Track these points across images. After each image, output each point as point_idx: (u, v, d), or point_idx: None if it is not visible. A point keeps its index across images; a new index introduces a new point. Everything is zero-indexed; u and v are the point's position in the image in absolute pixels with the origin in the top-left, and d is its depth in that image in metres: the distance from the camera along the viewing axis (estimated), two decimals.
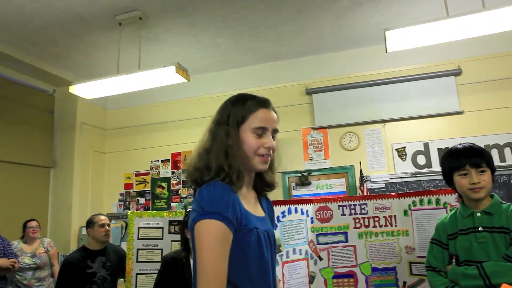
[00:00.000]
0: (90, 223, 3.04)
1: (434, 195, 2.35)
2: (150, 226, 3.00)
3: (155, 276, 2.61)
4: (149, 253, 2.95)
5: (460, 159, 1.56)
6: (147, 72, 3.56)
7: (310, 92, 4.41)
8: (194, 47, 4.26)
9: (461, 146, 1.62)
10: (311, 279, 2.43)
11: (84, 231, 3.90)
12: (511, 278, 1.40)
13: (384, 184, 3.96)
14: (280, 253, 2.34)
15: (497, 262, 1.46)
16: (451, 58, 4.14)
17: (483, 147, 1.67)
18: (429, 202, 2.35)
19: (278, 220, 2.36)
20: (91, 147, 4.94)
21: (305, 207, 2.48)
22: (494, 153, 3.85)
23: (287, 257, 2.37)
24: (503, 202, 1.57)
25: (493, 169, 1.57)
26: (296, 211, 2.45)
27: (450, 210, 1.92)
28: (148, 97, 4.90)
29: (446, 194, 2.28)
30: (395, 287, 2.36)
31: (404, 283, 2.35)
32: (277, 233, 2.35)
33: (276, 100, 4.51)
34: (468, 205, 1.60)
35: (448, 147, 2.53)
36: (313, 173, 4.19)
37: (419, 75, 4.14)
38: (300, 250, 2.43)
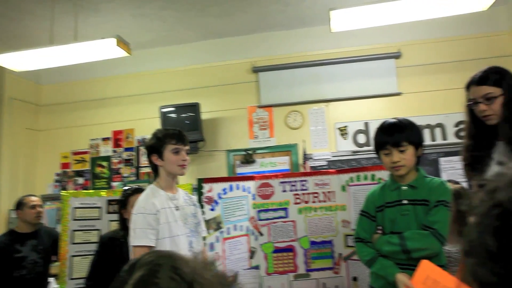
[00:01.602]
0: (19, 205, 2.85)
1: (370, 171, 2.45)
2: (86, 206, 2.87)
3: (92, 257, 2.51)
4: (85, 234, 2.82)
5: (383, 139, 1.62)
6: (84, 43, 3.32)
7: (256, 70, 4.38)
8: (137, 20, 4.04)
9: (386, 123, 1.67)
10: (252, 254, 2.47)
11: (14, 214, 3.65)
12: (424, 243, 1.50)
13: (326, 162, 4.08)
14: (221, 230, 2.35)
15: (415, 230, 1.56)
16: (392, 41, 4.28)
17: (415, 124, 1.70)
18: (365, 178, 2.45)
19: (219, 197, 2.36)
20: (22, 125, 4.59)
21: (246, 184, 2.49)
22: (426, 133, 4.09)
23: (228, 233, 2.38)
24: (427, 176, 1.66)
25: (417, 143, 1.64)
26: (237, 188, 2.46)
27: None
28: (86, 71, 4.61)
29: (381, 170, 2.38)
30: (331, 258, 2.47)
31: (340, 254, 2.46)
32: (218, 210, 2.35)
33: (222, 77, 4.44)
34: (396, 178, 1.68)
35: None
36: (257, 151, 4.21)
37: (361, 57, 4.25)
38: (241, 226, 2.45)
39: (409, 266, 1.53)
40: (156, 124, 3.99)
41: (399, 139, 1.59)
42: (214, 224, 2.33)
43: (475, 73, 1.68)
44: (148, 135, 2.18)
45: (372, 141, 1.77)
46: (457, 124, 4.02)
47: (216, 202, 2.35)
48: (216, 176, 3.59)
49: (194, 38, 4.50)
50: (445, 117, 4.07)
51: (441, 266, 1.54)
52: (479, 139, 1.68)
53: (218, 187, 2.36)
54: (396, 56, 4.24)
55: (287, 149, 4.21)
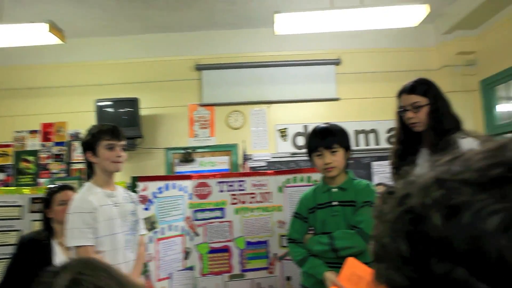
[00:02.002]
0: None
1: (306, 173, 2.51)
2: (5, 204, 2.63)
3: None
4: (3, 236, 2.59)
5: (315, 141, 1.68)
6: (12, 26, 3.06)
7: (199, 68, 4.32)
8: (74, 6, 3.79)
9: (318, 128, 1.73)
10: (187, 254, 2.42)
11: None
12: (350, 242, 1.57)
13: (266, 163, 4.13)
14: (155, 230, 2.27)
15: (343, 230, 1.63)
16: (333, 48, 4.44)
17: (345, 129, 1.79)
18: (302, 179, 2.51)
19: (154, 196, 2.28)
20: None
21: (183, 183, 2.44)
22: (361, 138, 4.30)
23: (163, 233, 2.32)
24: (355, 178, 1.74)
25: (346, 147, 1.72)
26: (174, 187, 2.39)
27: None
28: (14, 56, 4.24)
29: (317, 173, 2.45)
30: (266, 259, 2.50)
31: (275, 254, 2.50)
32: (153, 209, 2.27)
33: (164, 73, 4.30)
34: (327, 181, 1.74)
35: None
36: (197, 150, 4.16)
37: (304, 61, 4.37)
38: (176, 226, 2.39)
39: (338, 265, 1.59)
40: (91, 119, 3.78)
41: (331, 142, 1.65)
42: (148, 224, 2.25)
43: (406, 82, 1.80)
44: (82, 129, 2.08)
45: None
46: (388, 131, 4.27)
47: (151, 201, 2.27)
48: (154, 174, 3.50)
49: (136, 31, 4.33)
50: (378, 123, 4.30)
51: (366, 263, 1.62)
52: (406, 145, 1.80)
53: (153, 186, 2.28)
54: (336, 62, 4.41)
55: (227, 149, 4.20)
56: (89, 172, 1.95)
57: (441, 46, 4.41)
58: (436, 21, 4.36)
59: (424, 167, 0.42)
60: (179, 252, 2.38)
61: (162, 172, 4.08)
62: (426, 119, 1.71)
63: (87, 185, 1.91)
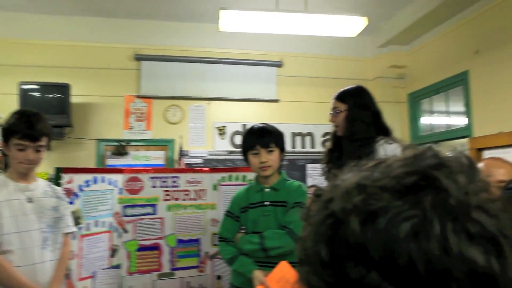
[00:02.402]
0: None
1: (241, 172, 2.51)
2: None
3: None
4: None
5: (252, 139, 1.69)
6: None
7: (139, 58, 4.15)
8: None
9: (255, 127, 1.74)
10: (113, 252, 2.30)
11: None
12: (280, 242, 1.60)
13: (202, 160, 4.08)
14: (79, 226, 2.13)
15: (273, 230, 1.65)
16: (276, 50, 4.50)
17: (280, 130, 1.84)
18: (237, 178, 2.50)
19: (81, 190, 2.14)
20: None
21: (113, 176, 2.31)
22: (298, 140, 4.42)
23: (88, 229, 2.18)
24: (288, 179, 1.77)
25: (282, 148, 1.75)
26: (103, 180, 2.26)
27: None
28: None
29: (252, 172, 2.46)
30: (197, 257, 2.46)
31: (206, 253, 2.46)
32: (78, 203, 2.13)
33: (100, 60, 4.06)
34: (260, 181, 1.75)
35: None
36: (132, 143, 3.98)
37: (246, 60, 4.38)
38: (103, 222, 2.26)
39: (268, 264, 1.60)
40: (13, 102, 3.46)
41: (268, 141, 1.67)
42: (72, 220, 2.10)
43: None
44: (2, 113, 1.87)
45: None
46: (324, 135, 4.43)
47: (76, 195, 2.13)
48: (83, 166, 3.28)
49: (72, 11, 4.04)
50: (315, 127, 4.45)
51: (295, 263, 1.66)
52: (337, 148, 1.90)
53: (79, 179, 2.13)
54: (278, 64, 4.48)
55: (163, 144, 4.08)
56: (6, 162, 1.78)
57: (376, 58, 4.67)
58: (373, 35, 4.61)
59: (349, 172, 0.42)
60: (104, 250, 2.26)
61: (92, 164, 3.86)
62: (343, 125, 1.83)
63: (1, 178, 1.75)
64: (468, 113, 3.62)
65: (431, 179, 0.34)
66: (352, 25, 3.43)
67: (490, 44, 3.41)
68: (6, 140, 1.70)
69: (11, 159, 1.72)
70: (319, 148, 4.40)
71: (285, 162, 1.86)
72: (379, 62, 4.63)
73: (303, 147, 4.42)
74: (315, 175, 4.27)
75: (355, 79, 4.58)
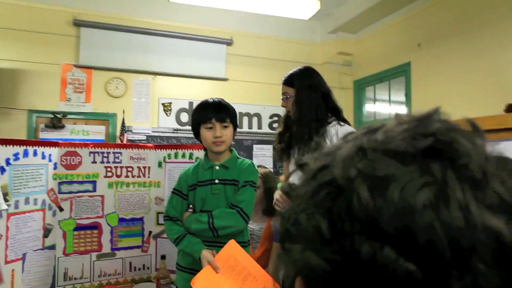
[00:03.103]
0: None
1: (188, 150, 2.42)
2: None
3: None
4: None
5: (208, 113, 1.61)
6: None
7: (78, 23, 3.82)
8: None
9: (211, 100, 1.67)
10: (47, 232, 2.12)
11: None
12: (229, 221, 1.57)
13: (145, 137, 3.90)
14: (7, 203, 1.92)
15: (222, 209, 1.61)
16: (226, 28, 4.39)
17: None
18: (183, 155, 2.41)
19: (8, 164, 1.92)
20: None
21: (48, 150, 2.11)
22: (245, 120, 4.39)
23: (16, 207, 1.98)
24: (239, 157, 1.73)
25: (235, 125, 1.70)
26: (35, 154, 2.05)
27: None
28: None
29: (199, 150, 2.38)
30: (140, 236, 2.35)
31: (150, 232, 2.37)
32: (5, 179, 1.92)
33: (33, 22, 3.69)
34: (210, 158, 1.69)
35: None
36: (68, 116, 3.69)
37: (196, 36, 4.22)
38: (35, 199, 2.06)
39: (217, 244, 1.56)
40: None
41: (224, 115, 1.61)
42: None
43: None
44: None
45: None
46: (271, 116, 4.44)
47: (3, 169, 1.91)
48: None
49: None
50: (263, 108, 4.44)
51: (244, 242, 1.63)
52: (286, 128, 1.92)
53: (7, 151, 1.91)
54: (228, 43, 4.38)
55: (104, 118, 3.83)
56: None
57: (325, 44, 4.73)
58: (323, 20, 4.66)
59: (336, 141, 0.38)
60: (37, 229, 2.07)
61: (22, 137, 3.53)
62: (293, 109, 1.84)
63: None
64: (407, 102, 3.81)
65: (447, 141, 0.30)
66: (305, 7, 3.43)
67: (431, 38, 3.59)
68: None
69: None
70: (266, 129, 4.41)
71: (233, 141, 1.82)
72: (327, 47, 4.71)
73: (250, 128, 4.40)
74: (261, 156, 4.28)
75: (303, 63, 4.60)
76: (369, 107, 4.54)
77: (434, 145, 0.30)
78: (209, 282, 1.45)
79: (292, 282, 0.38)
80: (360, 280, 0.29)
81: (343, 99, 4.55)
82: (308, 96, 1.82)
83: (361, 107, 4.55)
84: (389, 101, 4.20)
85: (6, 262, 1.91)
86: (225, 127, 1.62)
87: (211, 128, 1.60)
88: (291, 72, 1.92)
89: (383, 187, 0.29)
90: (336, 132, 1.81)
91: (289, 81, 1.89)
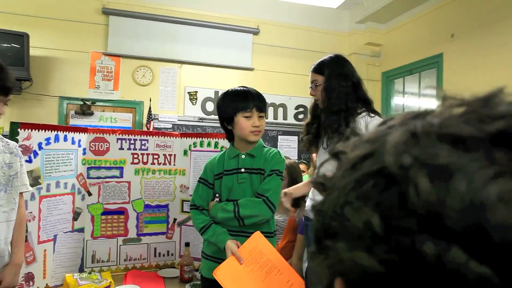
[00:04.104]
0: None
1: (214, 138, 2.43)
2: None
3: None
4: None
5: (249, 101, 1.59)
6: None
7: (107, 12, 3.87)
8: None
9: (247, 88, 1.65)
10: (76, 215, 2.19)
11: None
12: (255, 210, 1.55)
13: (171, 125, 3.94)
14: (39, 186, 1.99)
15: (248, 198, 1.59)
16: (253, 17, 4.35)
17: None
18: (209, 144, 2.42)
19: (40, 148, 1.98)
20: None
21: (77, 136, 2.16)
22: (270, 111, 4.36)
23: (48, 190, 2.04)
24: (265, 146, 1.71)
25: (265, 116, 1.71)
26: (65, 139, 2.11)
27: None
28: None
29: (224, 139, 2.38)
30: (165, 223, 2.39)
31: (175, 219, 2.40)
32: (37, 162, 1.98)
33: (64, 11, 3.75)
34: (236, 147, 1.67)
35: None
36: (97, 103, 3.77)
37: (222, 25, 4.20)
38: (65, 183, 2.12)
39: (242, 233, 1.55)
40: None
41: (263, 106, 1.60)
42: (30, 179, 1.95)
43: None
44: None
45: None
46: (297, 107, 4.39)
47: (35, 153, 1.97)
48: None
49: None
50: (288, 99, 4.40)
51: (270, 232, 1.62)
52: (314, 118, 1.89)
53: (39, 136, 1.97)
54: (255, 32, 4.34)
55: (131, 106, 3.89)
56: None
57: (353, 34, 4.62)
58: (352, 9, 4.54)
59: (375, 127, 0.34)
60: (67, 212, 2.13)
61: (53, 123, 3.63)
62: (322, 97, 1.79)
63: None
64: (439, 95, 3.68)
65: None
66: None
67: (466, 28, 3.44)
68: None
69: None
70: (291, 120, 4.38)
71: None
72: (355, 38, 4.60)
73: (276, 118, 4.37)
74: (286, 147, 4.26)
75: (330, 53, 4.53)
76: (397, 100, 4.43)
77: (506, 129, 0.26)
78: (231, 273, 1.45)
79: (329, 284, 0.33)
80: (421, 285, 0.26)
81: (371, 91, 4.39)
82: (338, 85, 1.78)
83: (389, 100, 4.44)
84: (419, 94, 4.08)
85: (39, 242, 1.98)
86: (261, 117, 1.61)
87: (249, 117, 1.59)
88: (321, 59, 1.87)
89: (445, 177, 0.26)
90: (366, 123, 1.76)
91: (319, 69, 1.84)
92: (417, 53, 3.96)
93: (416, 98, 4.14)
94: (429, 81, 3.91)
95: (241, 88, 1.65)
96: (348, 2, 4.14)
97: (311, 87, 1.87)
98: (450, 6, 3.62)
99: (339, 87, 1.77)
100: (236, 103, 1.60)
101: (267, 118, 4.19)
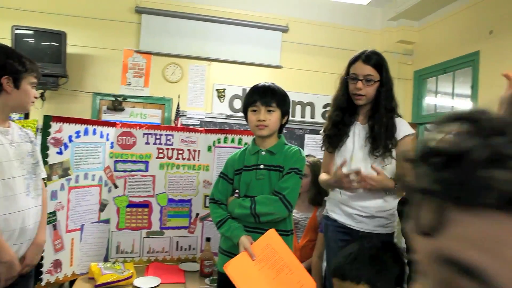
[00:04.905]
0: None
1: (238, 135, 2.45)
2: None
3: None
4: None
5: (254, 96, 1.60)
6: None
7: (140, 10, 3.98)
8: None
9: (260, 84, 1.65)
10: (102, 207, 2.27)
11: None
12: (271, 208, 1.53)
13: (199, 122, 4.00)
14: (68, 177, 2.08)
15: (265, 195, 1.59)
16: (282, 14, 4.33)
17: (286, 93, 1.71)
18: (233, 141, 2.44)
19: (70, 140, 2.07)
20: None
21: (106, 130, 2.24)
22: (298, 109, 4.33)
23: (77, 182, 2.12)
24: (286, 143, 1.69)
25: (284, 111, 1.66)
26: (94, 132, 2.19)
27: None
28: None
29: (248, 135, 2.39)
30: (188, 218, 2.43)
31: (197, 214, 2.44)
32: (67, 154, 2.06)
33: (99, 10, 3.87)
34: (257, 143, 1.67)
35: None
36: (128, 99, 3.88)
37: (252, 22, 4.21)
38: (93, 175, 2.21)
39: (258, 230, 1.55)
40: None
41: (270, 99, 1.58)
42: (60, 170, 2.04)
43: (362, 51, 1.76)
44: None
45: None
46: (325, 106, 4.34)
47: (66, 146, 2.05)
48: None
49: None
50: (316, 98, 4.35)
51: (286, 231, 1.61)
52: (343, 113, 1.80)
53: (70, 129, 2.05)
54: (284, 30, 4.32)
55: (161, 102, 3.98)
56: None
57: (384, 32, 4.51)
58: (384, 6, 4.43)
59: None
60: (94, 203, 2.22)
61: (87, 118, 3.77)
62: (373, 95, 1.71)
63: None
64: (474, 95, 3.53)
65: None
66: None
67: (506, 25, 3.27)
68: (17, 76, 1.62)
69: (20, 95, 1.64)
70: (319, 118, 4.33)
71: (284, 127, 1.77)
72: (387, 35, 4.48)
73: (303, 117, 4.33)
74: (313, 146, 4.21)
75: (370, 48, 4.44)
76: (429, 100, 4.27)
77: None
78: (242, 268, 1.45)
79: None
80: None
81: (402, 90, 4.31)
82: (392, 86, 1.73)
83: (420, 100, 4.30)
84: (453, 94, 3.92)
85: (67, 231, 2.07)
86: (270, 111, 1.59)
87: (255, 111, 1.59)
88: (376, 55, 1.70)
89: None
90: (398, 123, 1.73)
91: (378, 64, 1.68)
92: (452, 51, 3.81)
93: (449, 98, 3.98)
94: (464, 80, 3.75)
95: (254, 85, 1.65)
96: (379, 0, 4.04)
97: (360, 80, 1.68)
98: (488, 1, 3.45)
99: (391, 88, 1.73)
100: (246, 98, 1.62)
101: (293, 117, 4.19)
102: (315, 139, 4.25)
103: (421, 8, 4.04)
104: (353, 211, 1.72)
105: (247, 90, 1.69)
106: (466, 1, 3.70)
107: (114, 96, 3.83)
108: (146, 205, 2.35)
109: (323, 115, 4.34)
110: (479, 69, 3.49)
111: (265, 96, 1.58)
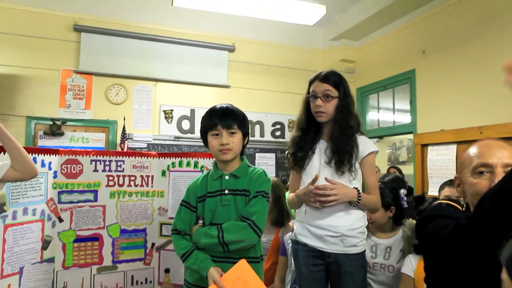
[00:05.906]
0: None
1: (193, 158, 2.35)
2: None
3: None
4: None
5: (213, 119, 1.53)
6: None
7: (79, 29, 3.76)
8: None
9: (218, 106, 1.59)
10: (45, 244, 2.04)
11: None
12: (241, 236, 1.46)
13: (146, 144, 3.83)
14: (3, 214, 1.84)
15: (233, 222, 1.51)
16: (229, 34, 4.34)
17: (245, 114, 1.68)
18: (188, 164, 2.34)
19: None
20: None
21: (47, 158, 2.03)
22: None
23: (14, 218, 1.89)
24: (250, 165, 1.63)
25: (245, 132, 1.61)
26: (35, 162, 1.97)
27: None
28: None
29: (204, 158, 2.31)
30: (143, 248, 2.27)
31: (153, 244, 2.28)
32: (2, 188, 1.83)
33: (33, 27, 3.62)
34: (219, 167, 1.60)
35: None
36: (68, 123, 3.61)
37: (198, 42, 4.17)
38: (34, 210, 1.98)
39: (228, 260, 1.47)
40: None
41: (231, 121, 1.52)
42: None
43: (320, 71, 1.78)
44: None
45: (197, 128, 1.67)
46: (274, 124, 4.37)
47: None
48: None
49: None
50: (265, 116, 4.37)
51: (256, 257, 1.54)
52: (304, 133, 1.79)
53: (4, 159, 1.83)
54: (231, 49, 4.33)
55: (104, 125, 3.75)
56: None
57: (327, 51, 4.69)
58: (326, 27, 4.62)
59: None
60: (36, 241, 1.98)
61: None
62: (333, 112, 1.72)
63: None
64: (412, 110, 3.76)
65: None
66: (311, 13, 3.39)
67: (436, 45, 3.55)
68: None
69: None
70: (268, 137, 4.35)
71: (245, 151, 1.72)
72: (330, 55, 4.67)
73: (252, 136, 4.32)
74: (264, 164, 4.21)
75: (306, 70, 4.57)
76: (372, 115, 4.49)
77: None
78: None
79: None
80: None
81: None
82: (351, 103, 1.75)
83: (364, 115, 4.50)
84: (393, 109, 4.15)
85: (3, 277, 1.82)
86: (232, 133, 1.53)
87: (217, 135, 1.52)
88: (334, 73, 1.75)
89: None
90: (360, 140, 1.74)
91: (336, 81, 1.71)
92: (391, 69, 4.05)
93: (390, 113, 4.21)
94: (403, 96, 3.99)
95: (213, 106, 1.59)
96: (322, 20, 4.20)
97: (319, 97, 1.71)
98: (421, 24, 3.73)
99: (350, 105, 1.74)
100: (205, 122, 1.55)
101: (252, 136, 4.17)
102: (265, 157, 4.25)
103: (361, 29, 4.26)
104: (323, 232, 1.70)
105: (196, 111, 1.63)
106: (400, 23, 3.97)
107: (52, 119, 3.54)
108: (96, 238, 2.16)
109: (272, 133, 4.37)
110: (416, 86, 3.73)
111: (225, 118, 1.52)
